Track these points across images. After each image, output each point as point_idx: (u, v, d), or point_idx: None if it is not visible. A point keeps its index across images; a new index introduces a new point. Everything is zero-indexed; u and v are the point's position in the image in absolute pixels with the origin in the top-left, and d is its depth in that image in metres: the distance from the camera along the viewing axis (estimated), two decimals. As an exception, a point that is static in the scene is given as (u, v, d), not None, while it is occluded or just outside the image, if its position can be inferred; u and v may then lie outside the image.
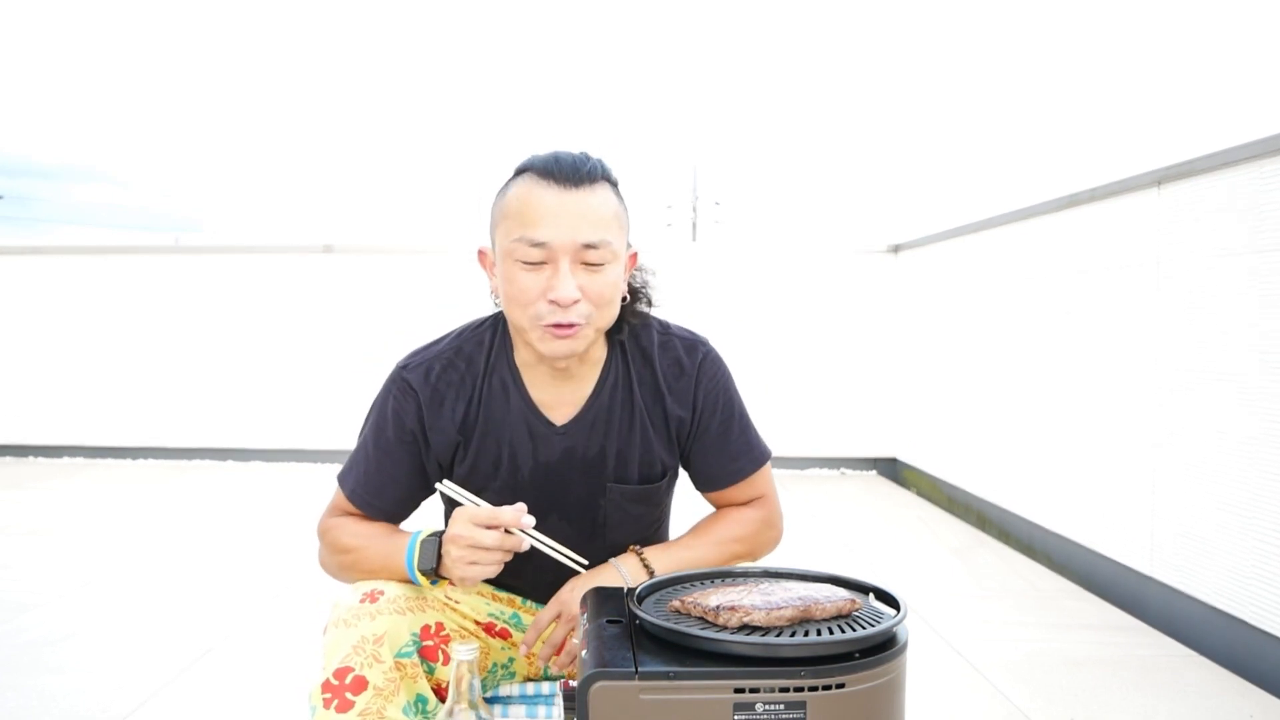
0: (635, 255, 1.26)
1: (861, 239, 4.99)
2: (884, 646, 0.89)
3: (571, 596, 1.17)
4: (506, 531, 1.08)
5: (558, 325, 1.12)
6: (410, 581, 1.14)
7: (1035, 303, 3.25)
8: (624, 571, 1.20)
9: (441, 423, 1.22)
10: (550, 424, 1.23)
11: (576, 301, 1.11)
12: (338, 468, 5.50)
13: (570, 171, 1.12)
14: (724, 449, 1.28)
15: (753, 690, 0.84)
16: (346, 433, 4.89)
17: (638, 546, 1.25)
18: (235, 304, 5.10)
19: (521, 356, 1.24)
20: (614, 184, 1.18)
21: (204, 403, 5.10)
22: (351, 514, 1.26)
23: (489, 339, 1.26)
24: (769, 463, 1.32)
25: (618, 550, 1.27)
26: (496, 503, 1.15)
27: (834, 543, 3.48)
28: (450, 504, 1.33)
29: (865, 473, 4.96)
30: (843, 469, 4.99)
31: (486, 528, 1.06)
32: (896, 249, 4.87)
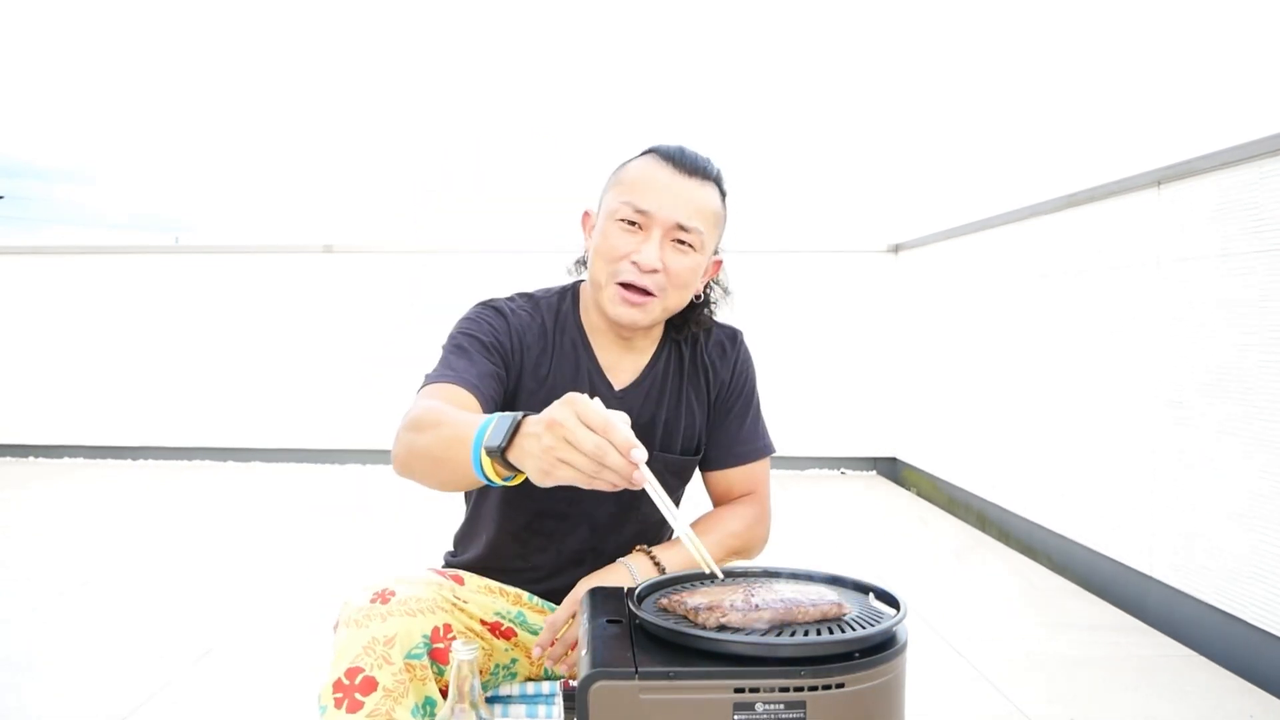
0: (719, 263, 1.35)
1: (861, 239, 4.99)
2: (884, 646, 0.89)
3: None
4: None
5: (632, 288, 1.20)
6: (472, 473, 0.97)
7: (1035, 303, 3.25)
8: (634, 569, 1.20)
9: (521, 356, 1.26)
10: (610, 387, 1.30)
11: (656, 271, 1.19)
12: (338, 468, 5.41)
13: (690, 162, 1.22)
14: (739, 430, 1.35)
15: (753, 690, 0.83)
16: (347, 433, 4.87)
17: (645, 546, 1.26)
18: (235, 304, 5.10)
19: (590, 320, 1.31)
20: (723, 192, 1.27)
21: (204, 403, 5.10)
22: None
23: (557, 302, 1.33)
24: (768, 461, 1.38)
25: (649, 525, 1.31)
26: None
27: (834, 543, 3.48)
28: (478, 494, 1.33)
29: (865, 473, 4.96)
30: (843, 469, 4.99)
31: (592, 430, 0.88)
32: (896, 249, 4.87)
